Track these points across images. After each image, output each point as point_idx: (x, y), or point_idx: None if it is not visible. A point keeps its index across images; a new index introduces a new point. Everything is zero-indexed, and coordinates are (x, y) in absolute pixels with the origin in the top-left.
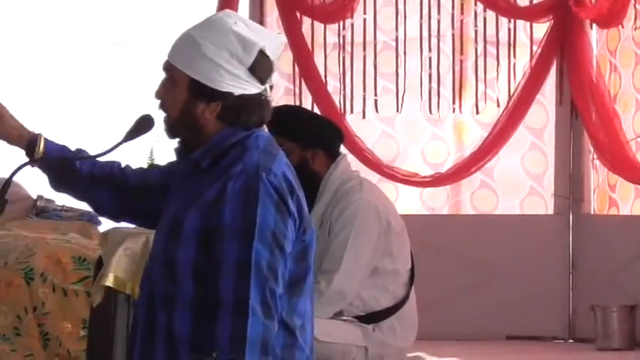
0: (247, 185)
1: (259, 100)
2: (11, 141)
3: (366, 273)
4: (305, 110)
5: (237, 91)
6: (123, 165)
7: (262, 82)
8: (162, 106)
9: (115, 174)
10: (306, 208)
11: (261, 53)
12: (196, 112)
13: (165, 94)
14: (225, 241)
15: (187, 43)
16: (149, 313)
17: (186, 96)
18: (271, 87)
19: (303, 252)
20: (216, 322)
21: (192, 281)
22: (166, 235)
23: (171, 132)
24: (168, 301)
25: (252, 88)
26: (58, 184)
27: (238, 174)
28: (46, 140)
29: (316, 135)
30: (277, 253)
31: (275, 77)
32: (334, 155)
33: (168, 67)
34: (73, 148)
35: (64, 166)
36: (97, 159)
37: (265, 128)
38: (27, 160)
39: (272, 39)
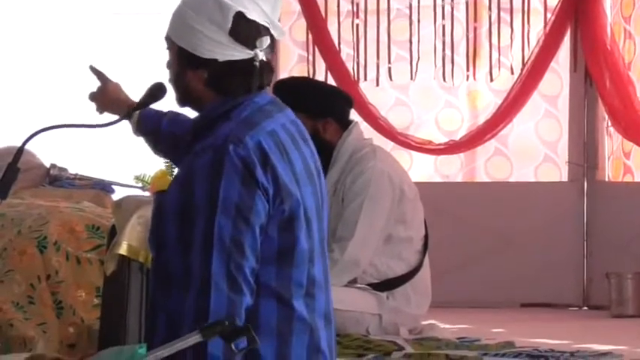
0: (213, 159)
1: (247, 65)
2: (120, 113)
3: (380, 240)
4: (311, 80)
5: (221, 58)
6: None
7: (249, 46)
8: (169, 78)
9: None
10: (285, 177)
11: (240, 16)
12: (186, 82)
13: (168, 65)
14: (194, 216)
15: (175, 13)
16: (152, 287)
17: (177, 66)
18: (271, 50)
19: (286, 221)
20: (186, 298)
21: (180, 258)
22: (154, 212)
23: (179, 103)
24: (163, 277)
25: (238, 53)
26: (155, 150)
27: (206, 148)
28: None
29: (325, 104)
30: (242, 226)
31: (266, 41)
32: (346, 123)
33: (165, 38)
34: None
35: (151, 131)
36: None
37: (271, 93)
38: (41, 128)
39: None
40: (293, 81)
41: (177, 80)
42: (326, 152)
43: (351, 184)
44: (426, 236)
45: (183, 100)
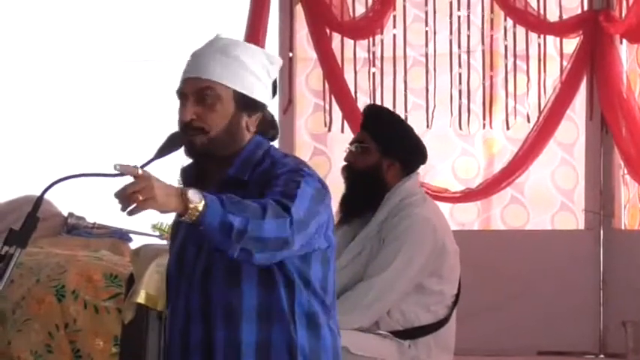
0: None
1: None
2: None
3: (409, 286)
4: (405, 123)
5: (267, 103)
6: None
7: (273, 95)
8: (198, 127)
9: None
10: None
11: (277, 68)
12: (241, 125)
13: (205, 113)
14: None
15: (223, 59)
16: (198, 329)
17: (233, 110)
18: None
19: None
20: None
21: (256, 287)
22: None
23: (210, 150)
24: (230, 314)
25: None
26: None
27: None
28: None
29: (401, 148)
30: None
31: None
32: (409, 172)
33: (208, 85)
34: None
35: None
36: None
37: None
38: (59, 177)
39: None
40: (390, 113)
41: (231, 125)
42: (380, 190)
43: (395, 227)
44: (458, 294)
45: (220, 147)
